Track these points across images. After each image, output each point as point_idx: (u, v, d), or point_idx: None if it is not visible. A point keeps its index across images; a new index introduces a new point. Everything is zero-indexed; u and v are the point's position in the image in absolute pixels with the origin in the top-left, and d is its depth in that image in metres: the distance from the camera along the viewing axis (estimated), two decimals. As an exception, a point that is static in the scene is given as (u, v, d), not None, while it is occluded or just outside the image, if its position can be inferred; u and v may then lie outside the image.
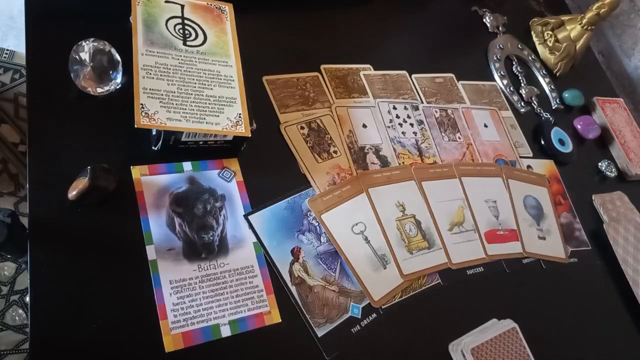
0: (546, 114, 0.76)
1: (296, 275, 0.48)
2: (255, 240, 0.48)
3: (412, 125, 0.63)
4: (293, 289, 0.47)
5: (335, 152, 0.56)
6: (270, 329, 0.45)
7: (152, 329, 0.41)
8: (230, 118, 0.48)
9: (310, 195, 0.52)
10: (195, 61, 0.49)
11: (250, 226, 0.49)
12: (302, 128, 0.56)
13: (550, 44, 0.82)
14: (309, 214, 0.51)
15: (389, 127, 0.62)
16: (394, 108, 0.63)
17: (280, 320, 0.46)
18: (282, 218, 0.50)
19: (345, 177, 0.55)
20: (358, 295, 0.50)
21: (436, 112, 0.66)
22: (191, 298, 0.44)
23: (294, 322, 0.46)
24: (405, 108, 0.64)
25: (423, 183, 0.58)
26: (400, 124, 0.62)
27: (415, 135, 0.63)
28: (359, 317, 0.49)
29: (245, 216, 0.49)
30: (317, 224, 0.51)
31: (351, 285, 0.50)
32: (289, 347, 0.46)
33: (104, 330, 0.40)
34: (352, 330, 0.48)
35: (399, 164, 0.59)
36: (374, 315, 0.49)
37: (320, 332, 0.46)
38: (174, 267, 0.44)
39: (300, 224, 0.51)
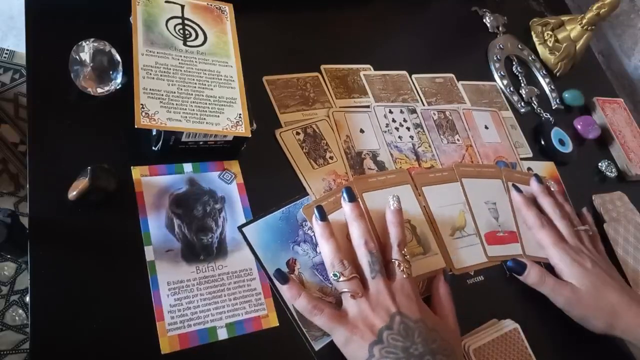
0: (546, 114, 0.76)
1: None
2: (254, 242, 0.48)
3: (408, 129, 0.63)
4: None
5: (331, 157, 0.56)
6: (267, 333, 0.45)
7: (149, 330, 0.41)
8: (230, 118, 0.47)
9: (305, 204, 0.52)
10: (196, 61, 0.49)
11: (245, 238, 0.48)
12: (298, 134, 0.56)
13: (550, 44, 0.82)
14: (304, 224, 0.51)
15: (385, 131, 0.61)
16: (390, 112, 0.63)
17: (278, 324, 0.46)
18: (277, 229, 0.50)
19: (342, 183, 0.54)
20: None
21: (434, 114, 0.66)
22: (188, 300, 0.44)
23: (292, 326, 0.46)
24: (402, 112, 0.64)
25: (423, 188, 0.58)
26: (397, 128, 0.62)
27: (412, 139, 0.62)
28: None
29: (240, 228, 0.48)
30: (312, 234, 0.50)
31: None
32: (286, 351, 0.45)
33: (103, 331, 0.40)
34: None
35: (396, 169, 0.59)
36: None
37: (317, 346, 0.45)
38: (172, 269, 0.44)
39: (296, 234, 0.50)
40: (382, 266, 0.47)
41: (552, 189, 0.64)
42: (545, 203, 0.62)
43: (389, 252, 0.49)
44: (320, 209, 0.49)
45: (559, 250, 0.57)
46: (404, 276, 0.46)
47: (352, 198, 0.50)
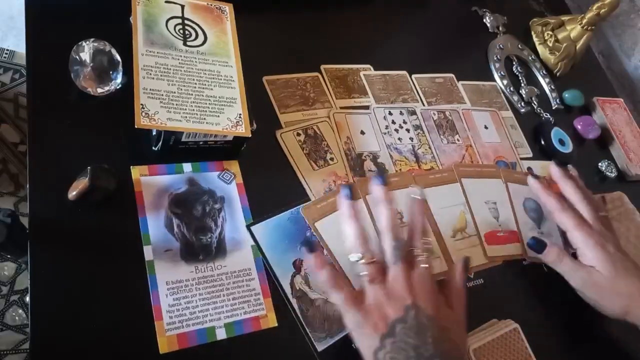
0: (546, 114, 0.76)
1: (297, 288, 0.47)
2: (253, 243, 0.48)
3: (408, 130, 0.63)
4: (294, 301, 0.47)
5: (331, 159, 0.56)
6: (266, 333, 0.45)
7: (147, 330, 0.41)
8: (230, 118, 0.48)
9: (304, 205, 0.51)
10: (196, 61, 0.49)
11: (253, 237, 0.48)
12: (299, 135, 0.56)
13: (550, 44, 0.82)
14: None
15: (385, 133, 0.61)
16: (390, 114, 0.63)
17: (277, 325, 0.46)
18: (285, 229, 0.50)
19: (342, 184, 0.54)
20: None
21: (434, 114, 0.66)
22: (187, 300, 0.44)
23: (290, 326, 0.46)
24: (401, 113, 0.64)
25: (424, 190, 0.58)
26: (397, 130, 0.62)
27: (412, 141, 0.62)
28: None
29: (248, 227, 0.48)
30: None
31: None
32: (285, 351, 0.45)
33: (102, 331, 0.40)
34: (353, 345, 0.47)
35: (396, 171, 0.59)
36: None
37: (320, 347, 0.45)
38: (171, 268, 0.44)
39: (304, 235, 0.50)
40: (405, 254, 0.46)
41: (572, 174, 0.63)
42: (567, 186, 0.60)
43: (409, 241, 0.48)
44: (349, 187, 0.49)
45: (582, 233, 0.55)
46: (424, 266, 0.45)
47: (385, 182, 0.49)
